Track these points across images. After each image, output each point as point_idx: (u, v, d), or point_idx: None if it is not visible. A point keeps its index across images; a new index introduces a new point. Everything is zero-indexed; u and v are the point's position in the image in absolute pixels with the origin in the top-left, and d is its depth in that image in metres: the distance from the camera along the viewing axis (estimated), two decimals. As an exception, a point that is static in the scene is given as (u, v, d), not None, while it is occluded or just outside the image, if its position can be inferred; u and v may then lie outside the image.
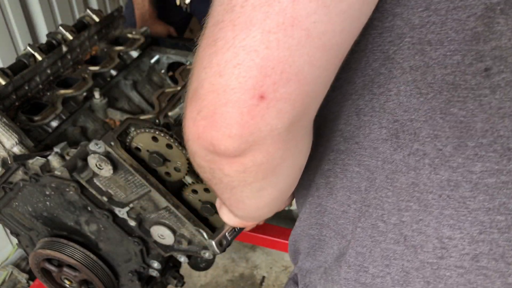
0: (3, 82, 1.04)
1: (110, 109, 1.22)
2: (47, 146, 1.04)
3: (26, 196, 0.98)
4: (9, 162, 0.96)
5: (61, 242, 1.03)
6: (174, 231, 0.90)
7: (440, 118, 0.47)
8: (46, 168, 0.92)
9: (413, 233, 0.52)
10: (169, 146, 0.79)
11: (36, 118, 1.07)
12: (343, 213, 0.59)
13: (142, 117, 1.02)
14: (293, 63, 0.39)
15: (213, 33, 0.40)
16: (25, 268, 1.58)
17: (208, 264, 1.04)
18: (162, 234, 0.91)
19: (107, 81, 1.28)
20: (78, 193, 0.91)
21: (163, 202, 0.85)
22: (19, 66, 1.12)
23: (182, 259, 0.97)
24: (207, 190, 0.85)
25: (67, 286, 1.15)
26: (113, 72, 1.30)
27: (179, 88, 1.08)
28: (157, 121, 0.89)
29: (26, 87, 1.11)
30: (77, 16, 1.94)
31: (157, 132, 0.78)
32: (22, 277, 1.54)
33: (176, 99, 0.97)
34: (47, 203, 0.98)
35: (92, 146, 0.79)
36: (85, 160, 0.84)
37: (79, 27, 1.31)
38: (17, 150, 0.97)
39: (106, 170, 0.81)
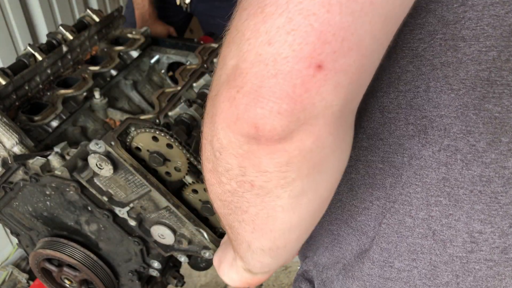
0: (3, 82, 1.04)
1: (110, 109, 1.22)
2: (47, 146, 1.04)
3: (26, 196, 0.99)
4: (10, 162, 0.96)
5: (61, 242, 1.03)
6: (174, 231, 0.90)
7: (473, 114, 0.47)
8: (46, 168, 0.92)
9: (442, 227, 0.52)
10: (169, 145, 0.79)
11: (36, 118, 1.07)
12: (364, 210, 0.58)
13: (142, 117, 1.02)
14: (355, 31, 0.35)
15: (259, 0, 0.36)
16: (25, 268, 1.58)
17: (208, 264, 1.04)
18: (162, 234, 0.91)
19: (107, 81, 1.28)
20: (78, 193, 0.91)
21: (163, 202, 0.85)
22: (19, 66, 1.12)
23: (182, 259, 0.97)
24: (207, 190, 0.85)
25: (67, 286, 1.15)
26: (113, 72, 1.30)
27: (179, 88, 1.09)
28: (157, 121, 0.90)
29: (26, 87, 1.11)
30: (77, 16, 1.94)
31: (157, 132, 0.78)
32: (22, 277, 1.54)
33: (176, 99, 0.97)
34: (47, 203, 0.98)
35: (92, 146, 0.79)
36: (85, 160, 0.84)
37: (79, 27, 1.31)
38: (17, 150, 0.97)
39: (107, 170, 0.81)
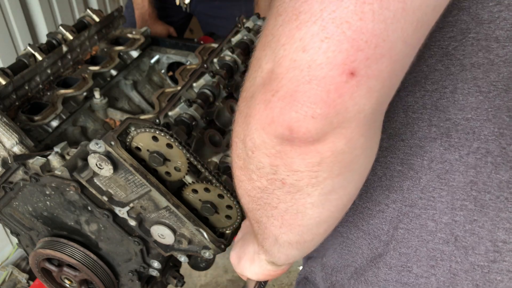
0: (4, 82, 1.05)
1: (110, 109, 1.22)
2: (47, 146, 1.04)
3: (26, 195, 0.99)
4: (9, 162, 0.96)
5: (61, 241, 1.03)
6: (174, 231, 0.90)
7: (506, 117, 0.46)
8: (46, 167, 0.92)
9: (465, 233, 0.51)
10: (169, 145, 0.79)
11: (36, 118, 1.07)
12: (378, 213, 0.57)
13: (142, 117, 1.02)
14: (387, 38, 0.35)
15: (294, 7, 0.37)
16: (25, 268, 1.58)
17: (208, 264, 1.04)
18: (162, 234, 0.91)
19: (107, 81, 1.29)
20: (78, 193, 0.91)
21: (163, 201, 0.85)
22: (19, 66, 1.12)
23: (182, 258, 0.97)
24: (207, 190, 0.85)
25: (67, 285, 1.15)
26: (113, 72, 1.31)
27: (179, 88, 1.09)
28: (157, 120, 0.89)
29: (26, 87, 1.11)
30: (77, 16, 1.95)
31: (157, 132, 0.78)
32: (22, 277, 1.55)
33: (176, 99, 0.97)
34: (47, 202, 0.98)
35: (92, 146, 0.79)
36: (85, 159, 0.84)
37: (79, 27, 1.31)
38: (17, 150, 0.97)
39: (106, 170, 0.81)
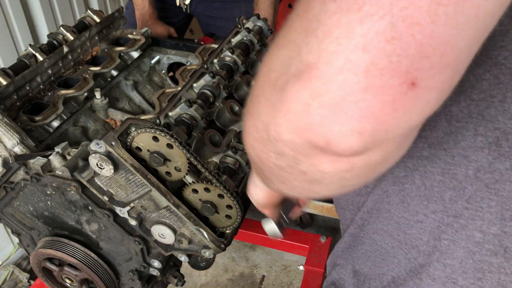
0: (5, 82, 1.05)
1: (111, 109, 1.22)
2: (48, 146, 1.05)
3: (27, 195, 0.99)
4: (11, 162, 0.97)
5: (62, 241, 1.04)
6: (174, 231, 0.91)
7: None
8: (47, 168, 0.92)
9: None
10: (169, 145, 0.80)
11: (37, 118, 1.07)
12: (416, 223, 0.55)
13: (143, 117, 1.03)
14: (455, 46, 0.31)
15: None
16: (26, 268, 1.58)
17: (209, 263, 1.05)
18: (162, 233, 0.91)
19: (108, 81, 1.29)
20: (79, 193, 0.91)
21: (163, 201, 0.86)
22: (20, 67, 1.12)
23: (183, 258, 0.98)
24: (207, 189, 0.85)
25: (68, 285, 1.15)
26: (114, 73, 1.31)
27: (179, 88, 1.09)
28: (157, 121, 0.90)
29: (27, 87, 1.12)
30: (78, 17, 1.95)
31: (157, 132, 0.78)
32: (23, 277, 1.55)
33: (177, 99, 0.97)
34: (48, 202, 0.99)
35: (93, 146, 0.80)
36: (86, 159, 0.85)
37: (80, 27, 1.32)
38: (18, 150, 0.98)
39: (107, 170, 0.82)
